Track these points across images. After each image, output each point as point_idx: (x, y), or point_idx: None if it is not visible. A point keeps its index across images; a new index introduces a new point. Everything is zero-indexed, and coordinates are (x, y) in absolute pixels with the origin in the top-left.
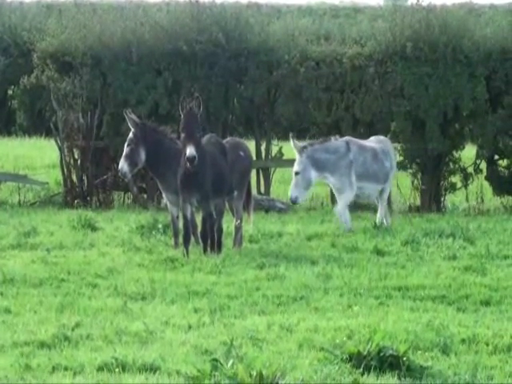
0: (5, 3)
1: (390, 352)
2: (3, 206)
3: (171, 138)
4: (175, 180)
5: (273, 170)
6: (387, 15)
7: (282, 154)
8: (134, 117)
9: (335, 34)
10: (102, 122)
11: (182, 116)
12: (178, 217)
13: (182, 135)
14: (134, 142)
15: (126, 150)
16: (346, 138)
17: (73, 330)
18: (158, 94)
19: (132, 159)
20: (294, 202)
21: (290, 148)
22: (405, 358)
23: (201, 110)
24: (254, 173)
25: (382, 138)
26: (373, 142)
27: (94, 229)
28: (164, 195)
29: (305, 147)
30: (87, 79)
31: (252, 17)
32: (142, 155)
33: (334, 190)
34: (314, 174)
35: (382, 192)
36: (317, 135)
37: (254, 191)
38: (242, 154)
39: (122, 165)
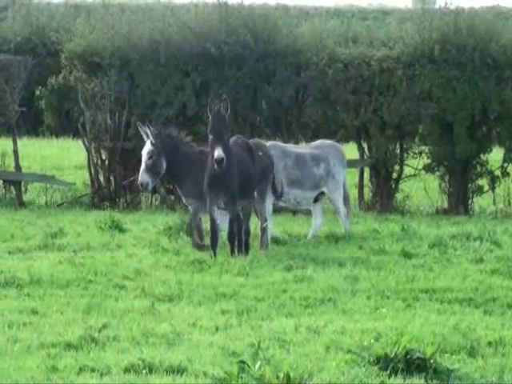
0: (32, 4)
1: (417, 354)
2: (30, 207)
3: (187, 143)
4: (194, 185)
5: None
6: (415, 18)
7: None
8: (147, 129)
9: (363, 37)
10: (129, 123)
11: (210, 118)
12: (200, 218)
13: (210, 137)
14: (156, 153)
15: (147, 162)
16: (271, 142)
17: (100, 331)
18: (186, 95)
19: (154, 171)
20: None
21: None
22: (432, 361)
23: (228, 112)
24: None
25: (326, 142)
26: (306, 147)
27: (121, 230)
28: (184, 200)
29: None
30: (115, 80)
31: (280, 19)
32: (164, 165)
33: None
34: None
35: (332, 201)
36: (345, 138)
37: None
38: (260, 154)
39: (144, 178)
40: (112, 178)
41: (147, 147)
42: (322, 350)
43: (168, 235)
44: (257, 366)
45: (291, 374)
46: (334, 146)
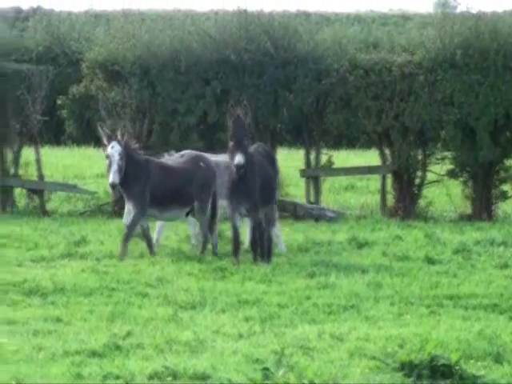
0: (53, 14)
1: (442, 361)
2: (53, 216)
3: (134, 149)
4: (139, 191)
5: (322, 178)
6: (437, 23)
7: (331, 163)
8: (105, 130)
9: (384, 42)
10: (150, 132)
11: (230, 124)
12: (147, 227)
13: (230, 143)
14: (123, 154)
15: (118, 162)
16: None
17: (124, 338)
18: (207, 102)
19: (122, 172)
20: None
21: (340, 157)
22: (457, 367)
23: (248, 118)
24: (303, 182)
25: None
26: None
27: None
28: (127, 206)
29: None
30: (136, 88)
31: (301, 25)
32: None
33: None
34: None
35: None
36: (367, 144)
37: (303, 200)
38: (202, 165)
39: (116, 178)
40: None
41: (116, 148)
42: (345, 357)
43: (190, 243)
44: (280, 372)
45: (315, 381)
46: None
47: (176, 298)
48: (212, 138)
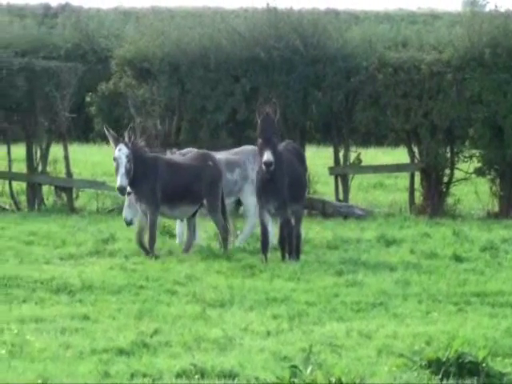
0: (82, 10)
1: (469, 358)
2: (81, 213)
3: (142, 148)
4: (148, 190)
5: (351, 176)
6: (465, 21)
7: (360, 161)
8: (111, 132)
9: (413, 41)
10: (180, 129)
11: (259, 121)
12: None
13: (259, 140)
14: (131, 157)
15: (126, 165)
16: (188, 148)
17: (151, 336)
18: (236, 100)
19: (130, 174)
20: (129, 224)
21: (369, 154)
22: (484, 365)
23: (277, 116)
24: (332, 179)
25: (247, 148)
26: (225, 153)
27: (172, 235)
28: (138, 206)
29: None
30: (165, 86)
31: (330, 23)
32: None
33: None
34: None
35: (245, 206)
36: (395, 142)
37: (332, 198)
38: (210, 164)
39: (124, 182)
40: None
41: (124, 150)
42: (373, 355)
43: (219, 240)
44: (308, 370)
45: (343, 379)
46: (254, 152)
47: (204, 296)
48: (241, 136)
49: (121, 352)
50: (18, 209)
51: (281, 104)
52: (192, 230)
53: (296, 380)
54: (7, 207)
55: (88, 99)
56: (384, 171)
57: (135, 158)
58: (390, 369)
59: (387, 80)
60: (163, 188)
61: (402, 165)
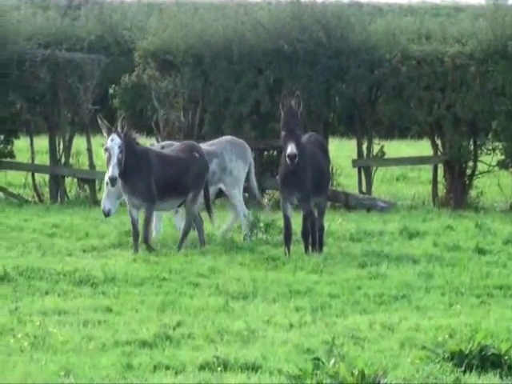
0: (105, 2)
1: (492, 351)
2: None
3: (134, 139)
4: (142, 184)
5: (374, 168)
6: (488, 14)
7: (383, 153)
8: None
9: (436, 33)
10: (203, 121)
11: (283, 113)
12: (137, 220)
13: (283, 133)
14: (123, 147)
15: (118, 156)
16: (167, 142)
17: (174, 329)
18: (260, 92)
19: (121, 165)
20: (108, 215)
21: (392, 147)
22: (507, 357)
23: (301, 108)
24: (355, 171)
25: (224, 138)
26: (201, 145)
27: (195, 228)
28: (129, 201)
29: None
30: (188, 78)
31: (353, 16)
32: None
33: None
34: None
35: (229, 198)
36: (418, 134)
37: (355, 190)
38: (196, 155)
39: (115, 173)
40: None
41: (116, 140)
42: (396, 347)
43: (242, 233)
44: (331, 362)
45: (366, 371)
46: (232, 142)
47: (227, 288)
48: (264, 128)
49: (143, 344)
50: (41, 201)
51: (304, 96)
52: (192, 219)
53: (318, 372)
54: (30, 199)
55: (111, 91)
56: (407, 163)
57: (127, 149)
58: (413, 361)
59: (410, 72)
60: (156, 181)
61: (425, 157)
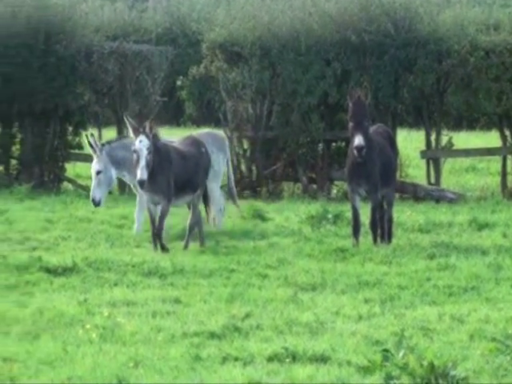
0: None
1: None
2: None
3: (157, 136)
4: (164, 181)
5: (443, 160)
6: None
7: (451, 144)
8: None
9: (505, 24)
10: (271, 113)
11: (350, 105)
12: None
13: (350, 124)
14: (152, 148)
15: (147, 157)
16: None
17: (243, 320)
18: (327, 83)
19: (149, 167)
20: (98, 204)
21: (460, 138)
22: None
23: (369, 99)
24: (423, 163)
25: (203, 131)
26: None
27: (263, 219)
28: (150, 198)
29: (103, 145)
30: (256, 69)
31: (421, 6)
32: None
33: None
34: (114, 173)
35: (209, 191)
36: (487, 126)
37: (424, 181)
38: (203, 150)
39: (144, 175)
40: (254, 168)
41: (145, 142)
42: (465, 339)
43: (310, 224)
44: (400, 354)
45: (435, 363)
46: (212, 134)
47: (296, 279)
48: (332, 119)
49: (212, 336)
50: (109, 192)
51: (372, 87)
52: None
53: (388, 364)
54: None
55: (179, 83)
56: (475, 155)
57: (154, 149)
58: (483, 353)
59: (479, 63)
60: (174, 178)
61: (493, 148)
